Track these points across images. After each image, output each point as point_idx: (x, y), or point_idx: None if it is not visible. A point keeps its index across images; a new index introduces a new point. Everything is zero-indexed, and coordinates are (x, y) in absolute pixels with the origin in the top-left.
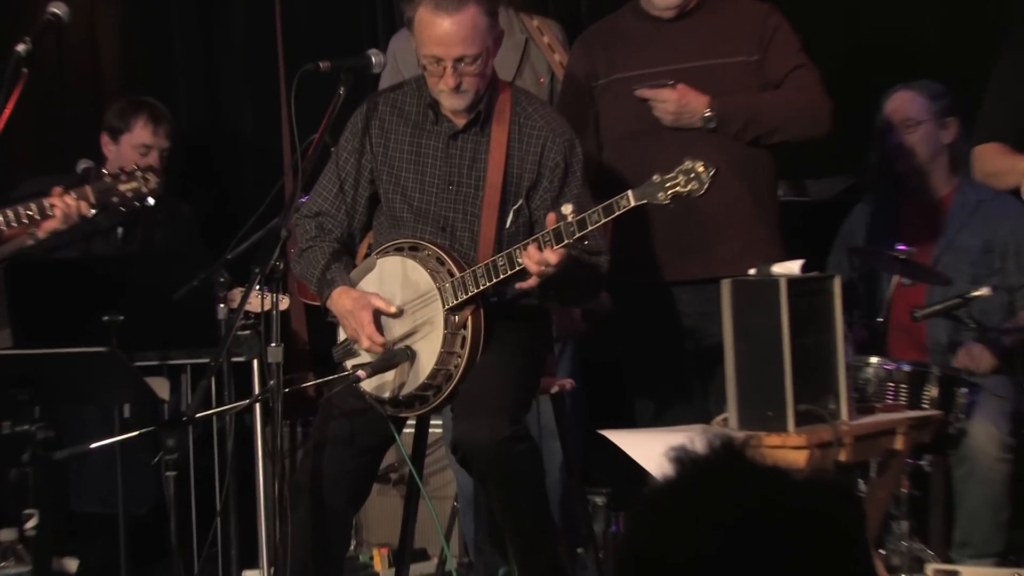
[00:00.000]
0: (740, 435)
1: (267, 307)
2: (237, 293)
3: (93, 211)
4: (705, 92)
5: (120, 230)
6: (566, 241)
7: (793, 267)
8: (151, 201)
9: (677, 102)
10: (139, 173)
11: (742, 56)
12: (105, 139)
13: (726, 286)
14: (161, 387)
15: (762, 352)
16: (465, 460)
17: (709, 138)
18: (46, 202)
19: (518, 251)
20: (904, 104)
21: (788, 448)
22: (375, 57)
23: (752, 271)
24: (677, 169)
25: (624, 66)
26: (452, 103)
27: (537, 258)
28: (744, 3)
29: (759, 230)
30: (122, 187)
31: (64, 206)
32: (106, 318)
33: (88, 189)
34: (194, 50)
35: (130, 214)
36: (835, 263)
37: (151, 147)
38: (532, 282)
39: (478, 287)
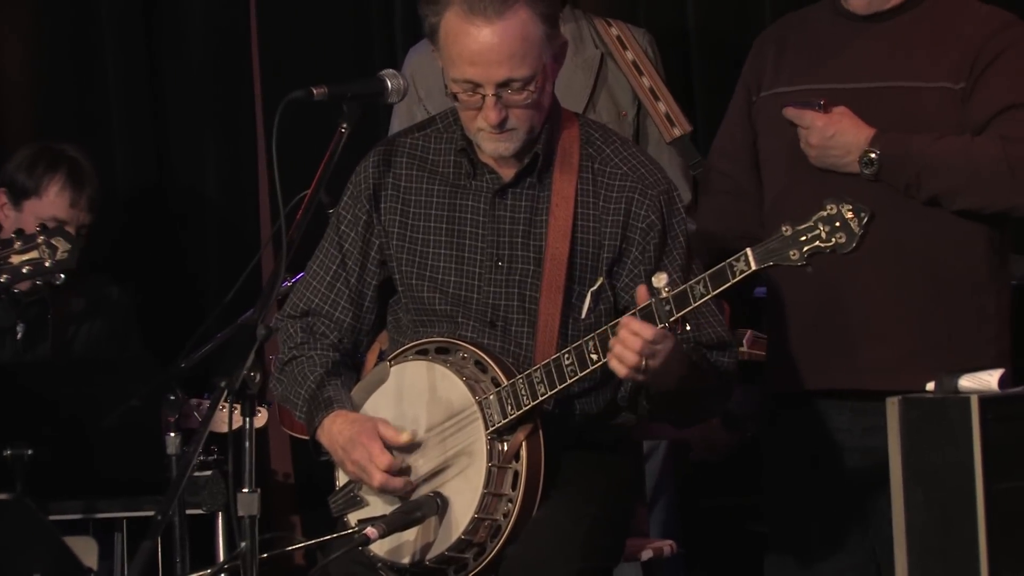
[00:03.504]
0: None
1: (236, 424)
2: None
3: None
4: (879, 124)
5: (20, 327)
6: (660, 326)
7: (990, 380)
8: (60, 279)
9: (821, 131)
10: (41, 239)
11: (944, 81)
12: (2, 199)
13: (893, 407)
14: (86, 550)
15: (946, 502)
16: None
17: (886, 193)
18: None
19: (591, 344)
20: None
21: None
22: (391, 81)
23: (930, 385)
24: (815, 216)
25: (791, 76)
26: (495, 147)
27: (628, 340)
28: (976, 8)
29: (946, 325)
30: (15, 259)
31: None
32: (8, 452)
33: None
34: (136, 78)
35: (33, 304)
36: None
37: (66, 223)
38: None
39: (535, 398)
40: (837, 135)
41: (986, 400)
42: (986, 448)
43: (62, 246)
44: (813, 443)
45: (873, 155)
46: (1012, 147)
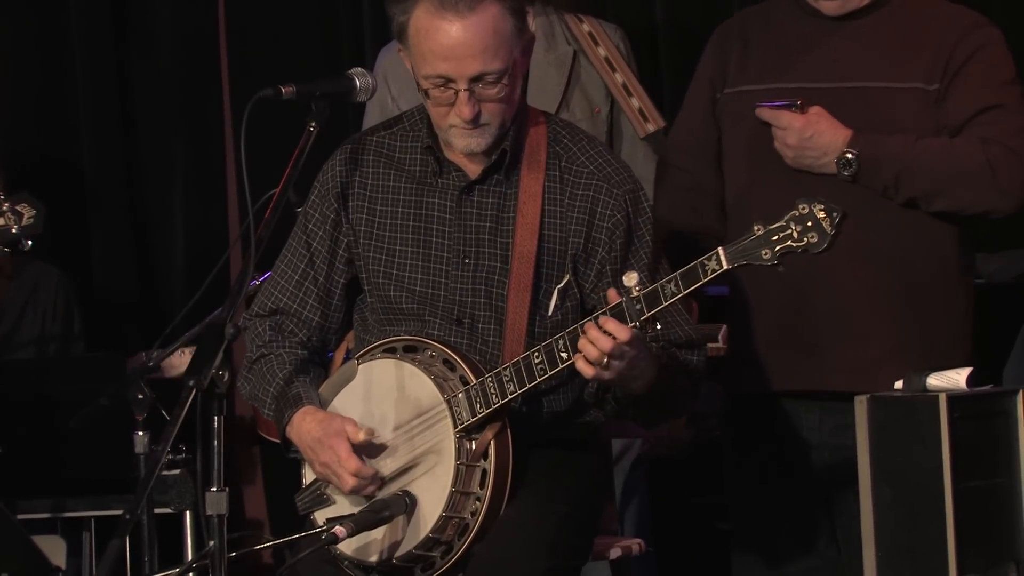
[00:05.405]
0: None
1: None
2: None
3: None
4: (851, 124)
5: None
6: (630, 325)
7: (958, 378)
8: (28, 245)
9: (800, 132)
10: (6, 206)
11: (917, 82)
12: None
13: (861, 406)
14: (55, 549)
15: (914, 500)
16: None
17: (858, 194)
18: None
19: (561, 342)
20: None
21: None
22: (360, 79)
23: (899, 384)
24: (787, 216)
25: (758, 74)
26: (467, 143)
27: (595, 336)
28: (945, 8)
29: (915, 326)
30: None
31: None
32: None
33: None
34: (104, 77)
35: None
36: (1018, 372)
37: None
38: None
39: (504, 397)
40: (815, 136)
41: (954, 398)
42: (954, 446)
43: (28, 212)
44: (779, 441)
45: (851, 156)
46: (992, 149)
